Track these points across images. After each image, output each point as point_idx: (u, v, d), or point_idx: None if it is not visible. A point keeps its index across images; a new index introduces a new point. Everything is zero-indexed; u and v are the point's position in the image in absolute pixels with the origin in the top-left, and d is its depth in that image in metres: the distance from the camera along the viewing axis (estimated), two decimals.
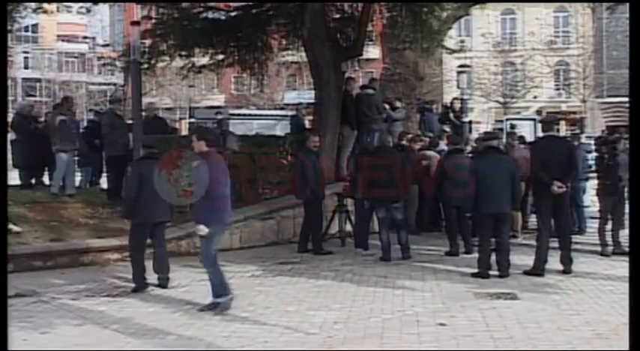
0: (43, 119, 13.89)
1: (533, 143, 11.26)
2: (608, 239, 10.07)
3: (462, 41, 35.07)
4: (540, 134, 9.62)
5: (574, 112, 38.74)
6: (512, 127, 15.71)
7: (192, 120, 27.76)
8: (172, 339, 6.09)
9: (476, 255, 8.96)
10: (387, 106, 13.62)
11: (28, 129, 12.71)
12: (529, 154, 9.93)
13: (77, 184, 13.13)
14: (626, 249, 9.03)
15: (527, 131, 17.22)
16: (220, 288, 7.02)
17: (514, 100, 39.28)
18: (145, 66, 13.16)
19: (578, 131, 27.46)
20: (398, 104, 14.13)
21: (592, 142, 21.84)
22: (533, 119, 20.31)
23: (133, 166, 8.28)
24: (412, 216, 11.70)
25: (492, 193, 8.52)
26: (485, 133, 11.32)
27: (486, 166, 8.67)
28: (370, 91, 13.03)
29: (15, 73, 45.73)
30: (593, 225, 12.44)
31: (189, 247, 10.13)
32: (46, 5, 16.36)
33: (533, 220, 10.94)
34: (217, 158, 7.07)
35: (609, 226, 10.20)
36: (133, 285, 7.96)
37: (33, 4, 15.40)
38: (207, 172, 6.77)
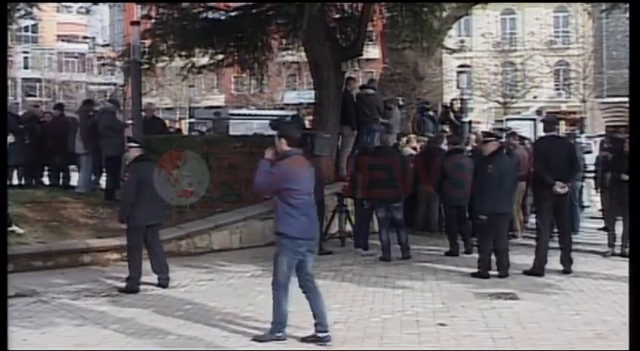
0: (43, 119, 13.90)
1: (534, 143, 11.25)
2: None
3: (462, 41, 34.99)
4: (542, 134, 9.61)
5: (574, 112, 38.65)
6: (508, 129, 15.73)
7: (192, 120, 27.78)
8: (172, 339, 6.09)
9: (476, 255, 8.96)
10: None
11: (17, 129, 12.70)
12: (529, 154, 9.93)
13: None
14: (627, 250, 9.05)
15: (527, 131, 17.21)
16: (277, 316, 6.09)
17: (514, 100, 39.19)
18: (145, 66, 13.15)
19: (576, 131, 27.46)
20: (391, 106, 14.04)
21: (592, 142, 21.89)
22: (533, 119, 20.27)
23: (130, 169, 8.15)
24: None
25: (504, 193, 8.54)
26: (489, 133, 11.23)
27: (499, 166, 8.62)
28: (370, 91, 13.02)
29: (15, 73, 45.74)
30: (589, 225, 12.47)
31: (189, 247, 10.17)
32: (36, 10, 16.21)
33: (533, 220, 10.94)
34: (298, 162, 6.11)
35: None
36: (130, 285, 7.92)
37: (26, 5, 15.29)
38: (275, 174, 5.99)
